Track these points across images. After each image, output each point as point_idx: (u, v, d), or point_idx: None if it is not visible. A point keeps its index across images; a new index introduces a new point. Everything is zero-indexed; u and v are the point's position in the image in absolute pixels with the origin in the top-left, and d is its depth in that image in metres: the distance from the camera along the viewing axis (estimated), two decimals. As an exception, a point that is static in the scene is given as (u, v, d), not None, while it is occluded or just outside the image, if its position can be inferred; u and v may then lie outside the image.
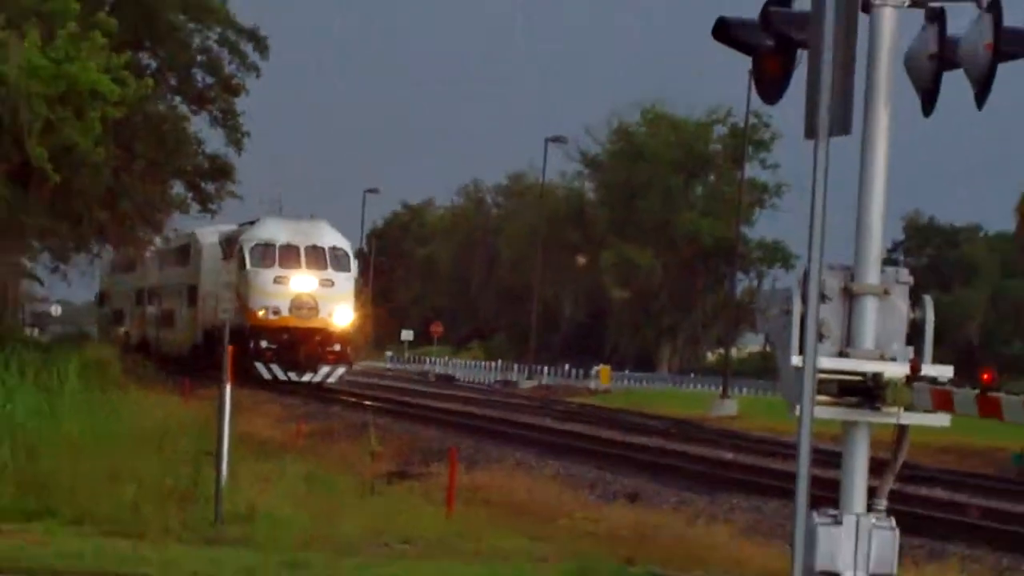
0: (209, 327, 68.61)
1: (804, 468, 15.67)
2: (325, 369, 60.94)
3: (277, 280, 59.11)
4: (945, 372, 17.62)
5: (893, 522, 17.45)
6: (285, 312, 59.03)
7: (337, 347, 61.40)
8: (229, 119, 63.90)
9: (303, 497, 27.62)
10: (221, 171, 66.95)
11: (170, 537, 22.41)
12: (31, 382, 28.95)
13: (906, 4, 17.36)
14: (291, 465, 31.96)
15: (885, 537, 17.43)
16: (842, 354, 17.30)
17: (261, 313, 58.97)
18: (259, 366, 58.74)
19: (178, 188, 65.43)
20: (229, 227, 69.92)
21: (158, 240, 74.32)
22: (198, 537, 23.03)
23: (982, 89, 17.11)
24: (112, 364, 51.27)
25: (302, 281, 59.54)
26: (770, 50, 17.92)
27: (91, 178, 42.85)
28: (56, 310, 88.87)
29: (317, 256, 61.16)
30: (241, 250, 60.71)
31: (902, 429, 17.45)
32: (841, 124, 16.27)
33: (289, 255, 60.26)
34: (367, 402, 62.18)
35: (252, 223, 63.86)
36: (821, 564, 16.50)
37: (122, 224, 58.17)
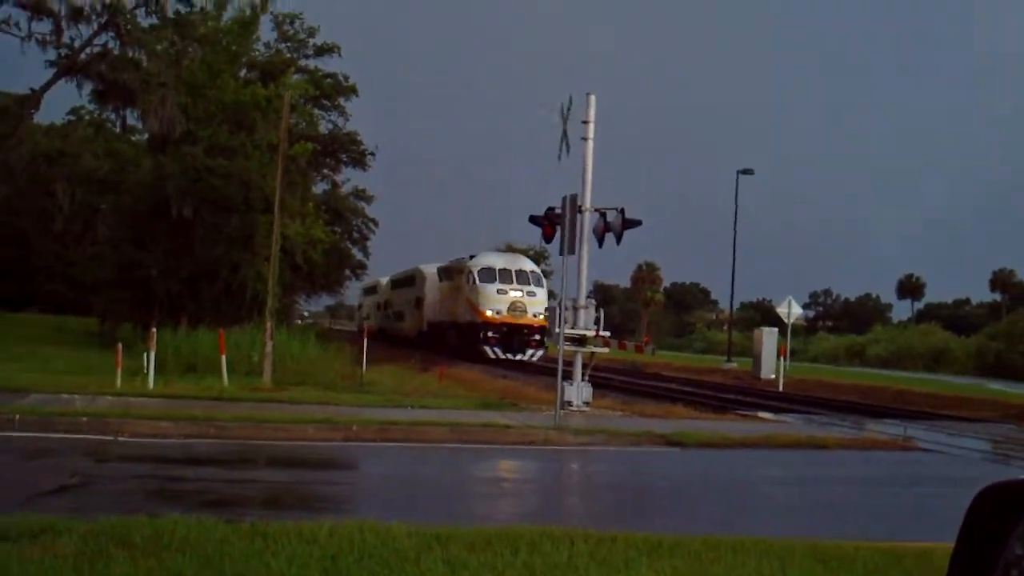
0: (431, 321, 61.53)
1: (560, 365, 21.73)
2: (530, 351, 50.71)
3: (499, 292, 50.22)
4: (606, 334, 25.35)
5: (591, 384, 24.96)
6: (504, 313, 50.10)
7: (537, 337, 50.77)
8: (364, 247, 70.71)
9: (393, 376, 32.51)
10: (361, 265, 73.09)
11: (345, 389, 26.34)
12: (297, 338, 32.44)
13: (593, 210, 24.81)
14: (388, 366, 36.46)
15: (587, 389, 24.47)
16: (573, 328, 24.13)
17: (489, 313, 49.90)
18: (486, 348, 49.81)
19: (347, 271, 70.67)
20: (443, 263, 62.17)
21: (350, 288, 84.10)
22: (354, 391, 26.45)
23: (618, 239, 24.57)
24: (327, 333, 53.76)
25: (515, 292, 50.50)
26: (548, 225, 24.57)
27: (318, 268, 47.83)
28: (306, 314, 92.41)
29: (523, 276, 51.93)
30: (471, 272, 51.91)
31: (592, 354, 25.13)
32: (572, 250, 23.12)
33: (505, 275, 51.08)
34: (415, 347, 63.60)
35: (473, 256, 55.33)
36: (566, 398, 23.23)
37: (328, 284, 66.00)
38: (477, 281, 51.58)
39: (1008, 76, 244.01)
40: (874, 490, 16.12)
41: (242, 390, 23.57)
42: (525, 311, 50.88)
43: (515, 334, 50.98)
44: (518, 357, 49.78)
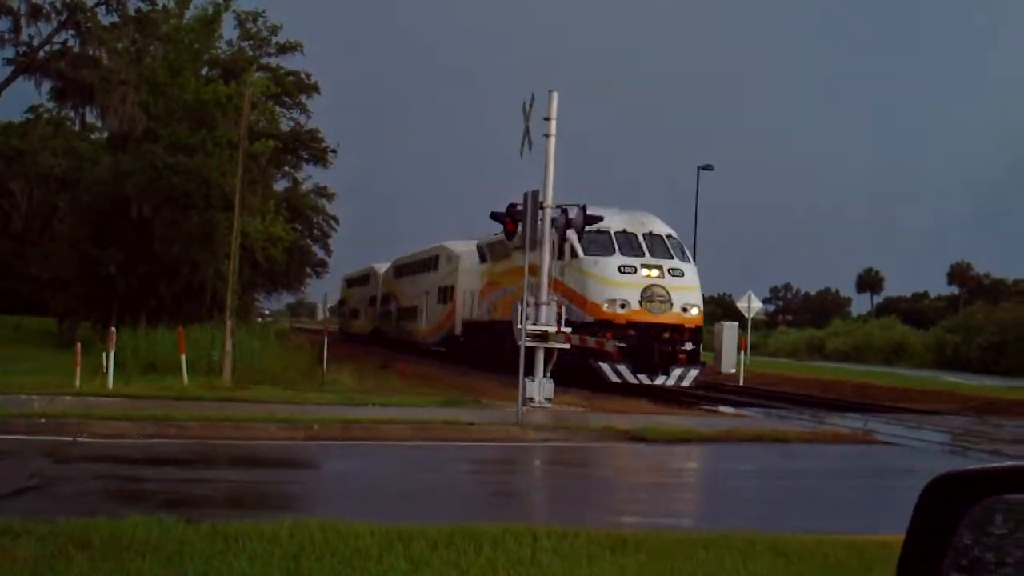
0: (471, 321, 43.91)
1: (522, 362, 21.55)
2: (678, 371, 31.87)
3: (623, 269, 31.76)
4: (567, 330, 25.17)
5: (552, 380, 24.81)
6: (635, 305, 31.33)
7: (690, 345, 32.31)
8: (325, 245, 66.98)
9: (353, 375, 31.38)
10: (322, 264, 69.18)
11: (305, 388, 26.10)
12: (258, 337, 31.94)
13: (555, 206, 24.83)
14: (348, 365, 34.75)
15: (549, 385, 24.35)
16: (535, 323, 24.19)
17: (606, 306, 31.48)
18: (604, 367, 31.24)
19: (307, 269, 66.92)
20: (486, 236, 41.66)
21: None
22: (315, 389, 26.19)
23: (580, 235, 24.74)
24: (287, 333, 50.93)
25: (650, 271, 31.84)
26: (510, 221, 24.69)
27: (279, 265, 46.77)
28: (266, 312, 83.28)
29: (658, 244, 33.13)
30: (565, 240, 31.64)
31: (554, 349, 25.01)
32: (534, 246, 23.27)
33: (628, 243, 32.64)
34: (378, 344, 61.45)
35: None
36: (528, 395, 22.92)
37: (288, 282, 63.32)
38: (580, 253, 32.75)
39: (966, 75, 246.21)
40: (835, 483, 16.22)
41: (202, 389, 23.34)
42: (668, 302, 32.14)
43: (653, 342, 31.81)
44: (659, 380, 31.79)
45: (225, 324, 27.01)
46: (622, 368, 31.37)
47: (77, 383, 22.49)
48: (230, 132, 37.73)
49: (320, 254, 70.53)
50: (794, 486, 15.64)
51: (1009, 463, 2.17)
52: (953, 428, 26.73)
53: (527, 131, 24.45)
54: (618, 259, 32.28)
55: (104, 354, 23.84)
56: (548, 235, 24.51)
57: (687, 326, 32.39)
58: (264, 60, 51.03)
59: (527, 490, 14.95)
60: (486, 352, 40.04)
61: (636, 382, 31.27)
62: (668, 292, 31.98)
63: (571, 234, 30.98)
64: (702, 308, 33.76)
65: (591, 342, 31.13)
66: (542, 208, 23.71)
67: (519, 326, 23.11)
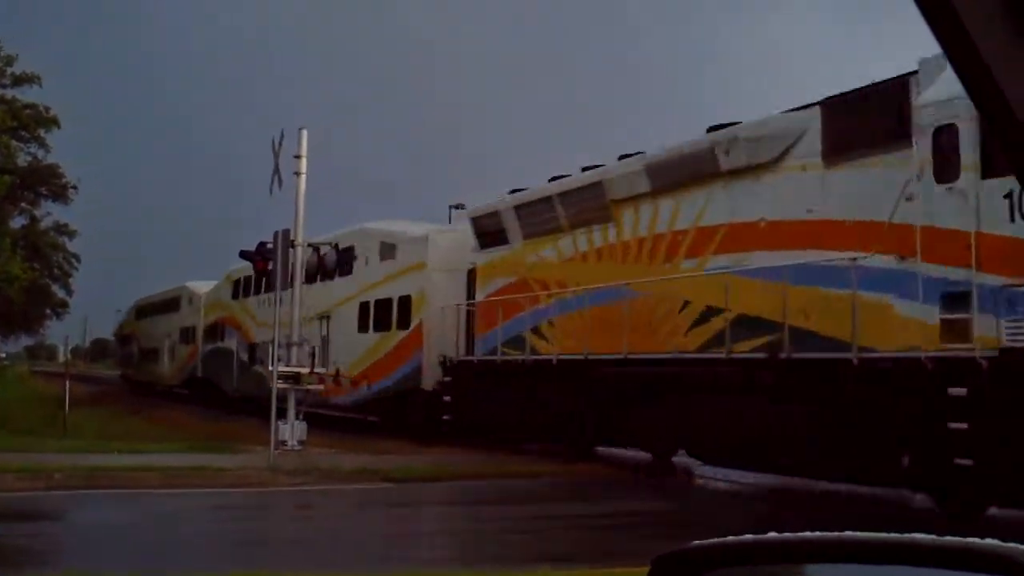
0: (459, 359, 26.34)
1: (274, 405, 21.51)
2: None
3: None
4: (322, 370, 24.93)
5: (305, 422, 24.45)
6: None
7: None
8: (65, 285, 64.21)
9: (100, 420, 30.73)
10: (63, 304, 65.34)
11: (48, 435, 25.48)
12: None
13: (307, 245, 24.57)
14: (95, 411, 34.47)
15: (302, 427, 23.77)
16: (288, 366, 23.96)
17: None
18: None
19: (48, 310, 65.50)
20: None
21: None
22: (57, 436, 25.62)
23: (332, 274, 24.54)
24: (27, 377, 48.64)
25: None
26: (260, 260, 24.45)
27: (15, 305, 45.11)
28: (2, 355, 76.52)
29: None
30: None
31: (309, 391, 24.66)
32: (285, 285, 22.97)
33: None
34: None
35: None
36: (280, 438, 22.41)
37: (27, 324, 60.47)
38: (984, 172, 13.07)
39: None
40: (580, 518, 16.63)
41: (-68, 440, 22.12)
42: None
43: None
44: None
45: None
46: None
47: None
48: (-39, 167, 36.14)
49: (61, 294, 67.75)
50: (542, 522, 15.96)
51: (727, 538, 2.39)
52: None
53: (276, 169, 24.25)
54: None
55: None
56: (300, 274, 24.37)
57: None
58: (-1, 91, 48.96)
59: (277, 536, 14.78)
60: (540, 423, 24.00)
61: None
62: None
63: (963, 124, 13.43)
64: None
65: None
66: (293, 246, 23.53)
67: (270, 368, 22.85)
